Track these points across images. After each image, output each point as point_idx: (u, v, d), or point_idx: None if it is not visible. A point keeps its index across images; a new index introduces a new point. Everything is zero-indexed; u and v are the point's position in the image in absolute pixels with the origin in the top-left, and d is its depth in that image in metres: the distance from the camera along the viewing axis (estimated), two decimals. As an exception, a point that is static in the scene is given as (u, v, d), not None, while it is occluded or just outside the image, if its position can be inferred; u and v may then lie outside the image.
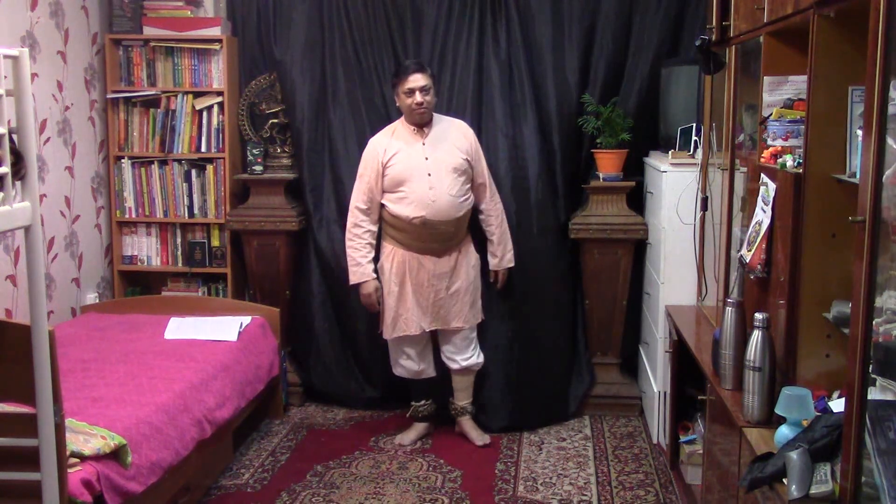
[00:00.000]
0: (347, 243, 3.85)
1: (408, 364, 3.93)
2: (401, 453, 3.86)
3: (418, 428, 4.02)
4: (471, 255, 3.90)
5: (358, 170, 3.85)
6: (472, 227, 3.96)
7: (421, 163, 3.72)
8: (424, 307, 3.81)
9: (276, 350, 4.14)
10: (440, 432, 4.07)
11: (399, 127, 3.83)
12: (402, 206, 3.72)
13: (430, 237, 3.74)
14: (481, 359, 3.99)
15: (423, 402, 4.00)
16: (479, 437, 3.97)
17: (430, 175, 3.70)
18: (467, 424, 4.00)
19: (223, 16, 4.45)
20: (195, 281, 4.56)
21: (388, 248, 3.85)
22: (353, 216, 3.82)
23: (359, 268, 3.81)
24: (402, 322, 3.83)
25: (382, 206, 3.80)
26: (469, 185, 3.81)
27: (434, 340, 4.00)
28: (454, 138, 3.80)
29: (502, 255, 3.94)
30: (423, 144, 3.76)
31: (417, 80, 3.68)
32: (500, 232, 3.91)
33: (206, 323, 3.94)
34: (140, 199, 4.47)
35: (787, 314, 2.30)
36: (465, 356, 3.92)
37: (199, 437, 3.18)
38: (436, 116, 3.85)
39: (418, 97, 3.67)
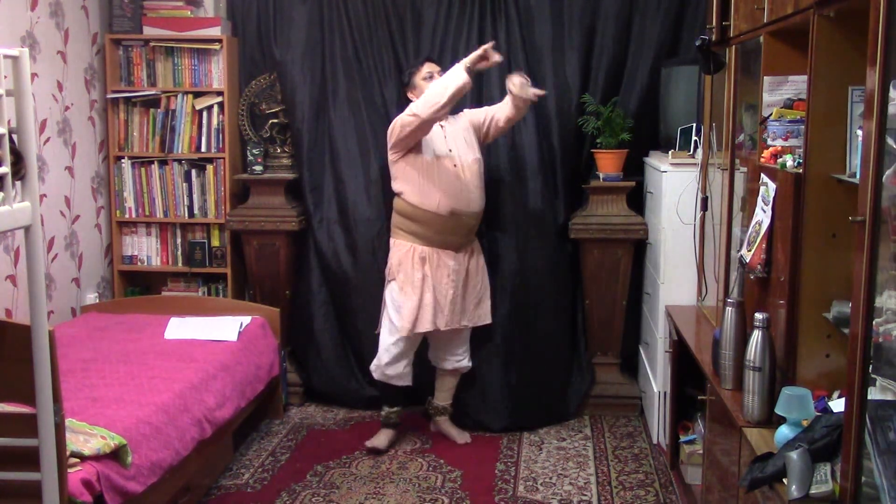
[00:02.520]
0: (425, 99, 3.54)
1: (395, 367, 3.84)
2: (401, 453, 3.86)
3: (388, 433, 3.94)
4: (481, 256, 3.94)
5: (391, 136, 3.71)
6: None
7: (445, 151, 3.73)
8: (442, 304, 3.77)
9: (276, 350, 4.14)
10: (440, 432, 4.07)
11: None
12: (429, 197, 3.66)
13: (454, 229, 3.72)
14: (470, 362, 3.99)
15: (396, 409, 3.94)
16: (459, 436, 3.97)
17: (455, 166, 3.71)
18: (447, 424, 4.00)
19: (223, 16, 4.46)
20: (195, 281, 4.56)
21: (405, 244, 3.76)
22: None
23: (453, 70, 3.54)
24: (423, 319, 3.74)
25: (398, 195, 3.76)
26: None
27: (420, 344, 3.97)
28: (465, 131, 3.81)
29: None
30: (445, 138, 3.76)
31: (434, 66, 3.78)
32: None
33: (206, 323, 3.94)
34: (140, 199, 4.47)
35: (787, 314, 2.30)
36: (458, 357, 3.93)
37: (199, 437, 3.18)
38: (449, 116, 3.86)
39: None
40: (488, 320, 3.94)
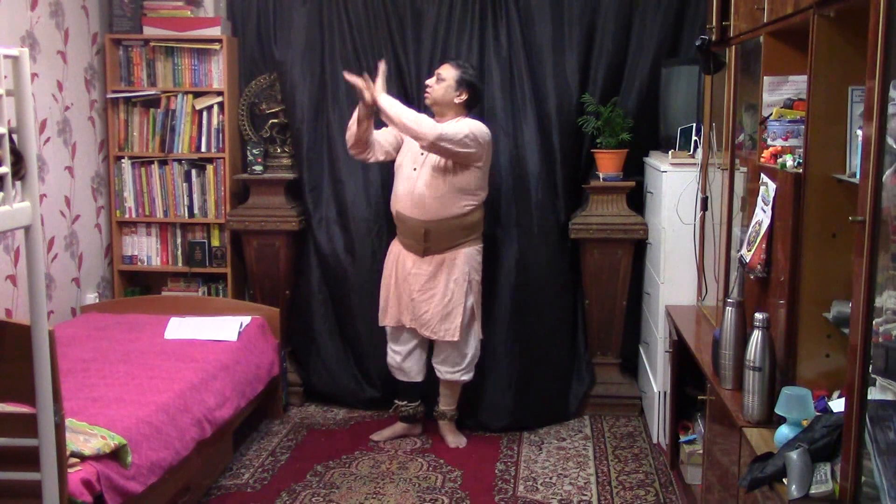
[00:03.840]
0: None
1: (392, 358, 3.97)
2: (401, 453, 3.86)
3: (396, 428, 4.00)
4: (456, 269, 3.76)
5: None
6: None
7: (416, 157, 3.75)
8: (404, 303, 3.83)
9: (276, 350, 4.14)
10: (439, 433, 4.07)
11: None
12: (393, 197, 3.85)
13: (406, 233, 3.80)
14: (467, 377, 3.91)
15: (405, 403, 3.98)
16: (453, 441, 3.95)
17: (415, 170, 3.73)
18: (445, 428, 3.99)
19: (223, 16, 4.45)
20: (195, 281, 4.55)
21: (395, 239, 3.96)
22: None
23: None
24: (390, 311, 3.90)
25: None
26: (456, 190, 3.66)
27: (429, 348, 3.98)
28: None
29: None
30: None
31: (440, 68, 3.78)
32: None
33: (206, 323, 3.93)
34: (140, 199, 4.47)
35: (787, 314, 2.30)
36: (450, 370, 3.88)
37: (199, 437, 3.18)
38: (461, 119, 3.75)
39: (429, 81, 3.79)
40: (453, 338, 3.78)
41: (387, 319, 3.92)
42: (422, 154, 3.72)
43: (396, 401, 4.01)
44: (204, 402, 3.28)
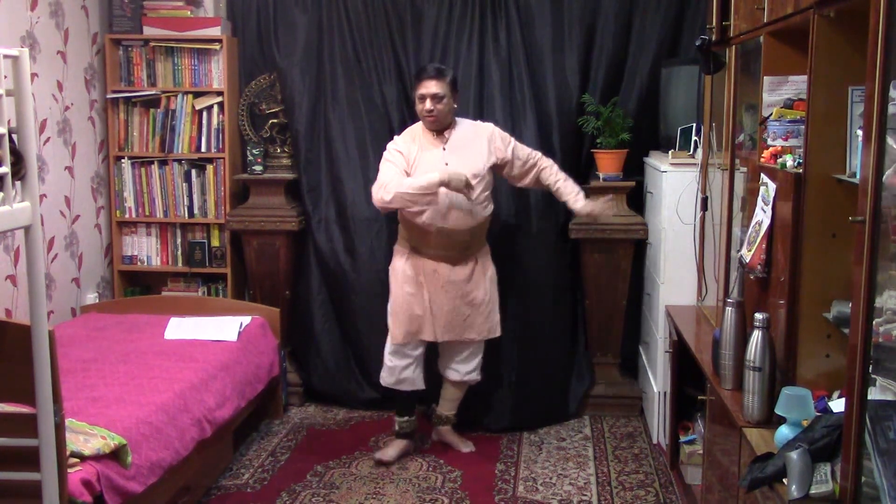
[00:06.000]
0: (391, 190, 3.46)
1: (402, 371, 3.75)
2: (401, 453, 3.86)
3: (399, 444, 3.84)
4: (488, 266, 3.76)
5: (384, 160, 3.64)
6: (490, 238, 3.92)
7: (440, 168, 3.54)
8: (438, 315, 3.67)
9: (276, 350, 4.14)
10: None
11: (419, 131, 3.67)
12: (429, 213, 3.54)
13: (444, 245, 3.61)
14: (480, 376, 3.87)
15: (406, 419, 3.85)
16: (464, 445, 3.91)
17: None
18: (450, 434, 3.94)
19: (223, 16, 4.46)
20: (195, 281, 4.55)
21: (403, 251, 3.71)
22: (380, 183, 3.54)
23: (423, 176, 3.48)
24: (418, 326, 3.68)
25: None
26: (489, 192, 3.64)
27: (428, 351, 3.88)
28: (475, 144, 3.64)
29: (577, 191, 3.69)
30: (444, 150, 3.61)
31: (429, 87, 3.53)
32: (563, 175, 3.73)
33: (206, 323, 3.93)
34: (140, 199, 4.47)
35: (787, 314, 2.30)
36: (468, 368, 3.81)
37: (199, 437, 3.18)
38: (459, 121, 3.69)
39: (428, 104, 3.54)
40: (498, 333, 3.79)
41: (413, 337, 3.67)
42: (446, 164, 3.55)
43: (397, 418, 3.86)
44: (204, 402, 3.28)
